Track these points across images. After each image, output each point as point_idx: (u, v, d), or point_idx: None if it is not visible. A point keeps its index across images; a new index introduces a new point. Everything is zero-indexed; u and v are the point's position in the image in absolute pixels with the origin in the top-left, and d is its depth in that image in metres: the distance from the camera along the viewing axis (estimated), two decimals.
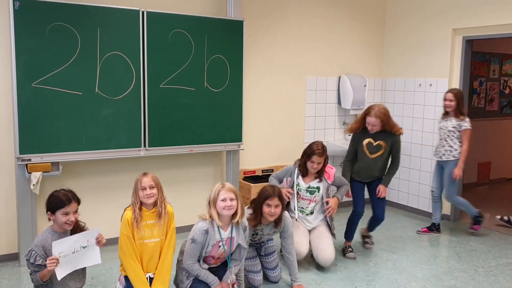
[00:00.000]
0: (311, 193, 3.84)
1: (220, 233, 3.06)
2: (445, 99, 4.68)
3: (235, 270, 3.19)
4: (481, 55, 6.73)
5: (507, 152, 7.35)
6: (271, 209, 3.27)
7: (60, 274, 2.71)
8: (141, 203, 3.04)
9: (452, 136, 4.65)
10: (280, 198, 3.32)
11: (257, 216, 3.32)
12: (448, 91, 4.71)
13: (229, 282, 3.12)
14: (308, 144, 3.87)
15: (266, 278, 3.59)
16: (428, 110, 5.46)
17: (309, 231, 3.93)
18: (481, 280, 3.78)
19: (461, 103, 4.65)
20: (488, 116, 7.01)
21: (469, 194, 6.27)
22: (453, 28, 5.17)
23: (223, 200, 3.01)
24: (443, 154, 4.71)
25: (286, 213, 3.49)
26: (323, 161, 3.76)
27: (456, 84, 5.23)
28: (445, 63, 5.27)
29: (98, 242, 2.86)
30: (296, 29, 5.29)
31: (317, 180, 3.85)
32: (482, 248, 4.50)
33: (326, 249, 3.80)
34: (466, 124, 4.60)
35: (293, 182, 3.85)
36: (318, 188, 3.82)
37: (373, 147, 4.11)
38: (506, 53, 7.04)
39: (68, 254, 2.73)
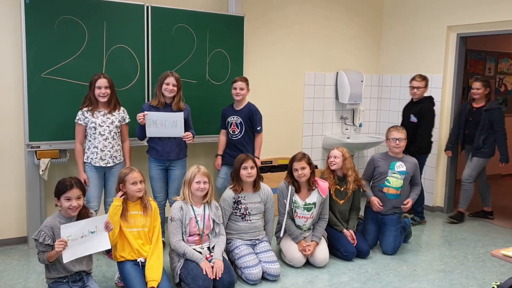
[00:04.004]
0: (308, 210, 3.85)
1: (193, 209, 3.42)
2: None
3: (222, 247, 3.47)
4: (477, 53, 6.89)
5: None
6: (247, 171, 3.61)
7: (67, 257, 2.81)
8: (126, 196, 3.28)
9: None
10: (253, 161, 3.65)
11: (237, 182, 3.66)
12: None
13: (220, 257, 3.37)
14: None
15: (266, 279, 3.56)
16: None
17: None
18: (470, 266, 3.94)
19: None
20: None
21: None
22: (448, 25, 5.33)
23: (197, 182, 3.39)
24: None
25: (266, 185, 3.82)
26: (306, 165, 3.77)
27: (450, 80, 5.41)
28: (440, 59, 5.43)
29: (106, 227, 2.97)
30: (295, 25, 5.46)
31: (312, 194, 3.86)
32: (473, 237, 4.66)
33: (320, 251, 3.86)
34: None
35: (290, 201, 3.85)
36: (314, 204, 3.86)
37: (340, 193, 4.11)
38: (502, 52, 7.19)
39: (76, 238, 2.83)
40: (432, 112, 4.86)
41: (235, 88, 4.31)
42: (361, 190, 4.20)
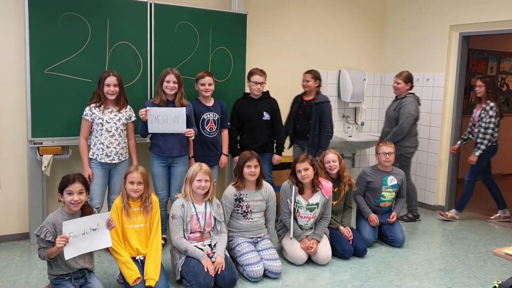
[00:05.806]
0: (311, 210, 3.85)
1: (195, 207, 3.42)
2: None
3: (223, 244, 3.48)
4: (479, 52, 6.88)
5: (503, 149, 7.44)
6: (251, 169, 3.60)
7: (69, 254, 2.81)
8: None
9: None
10: (258, 159, 3.64)
11: (240, 179, 3.66)
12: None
13: (223, 254, 3.39)
14: None
15: (267, 276, 3.57)
16: (425, 104, 5.60)
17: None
18: (471, 265, 3.95)
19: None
20: None
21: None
22: (451, 24, 5.33)
23: (199, 180, 3.39)
24: None
25: (269, 184, 3.83)
26: (309, 166, 3.77)
27: (452, 79, 5.40)
28: (442, 58, 5.43)
29: (108, 225, 2.98)
30: (297, 23, 5.46)
31: (315, 195, 3.86)
32: (474, 237, 4.67)
33: (323, 249, 3.86)
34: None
35: (293, 201, 3.84)
36: (317, 204, 3.87)
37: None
38: (504, 51, 7.18)
39: (78, 235, 2.84)
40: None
41: (204, 84, 4.14)
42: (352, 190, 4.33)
